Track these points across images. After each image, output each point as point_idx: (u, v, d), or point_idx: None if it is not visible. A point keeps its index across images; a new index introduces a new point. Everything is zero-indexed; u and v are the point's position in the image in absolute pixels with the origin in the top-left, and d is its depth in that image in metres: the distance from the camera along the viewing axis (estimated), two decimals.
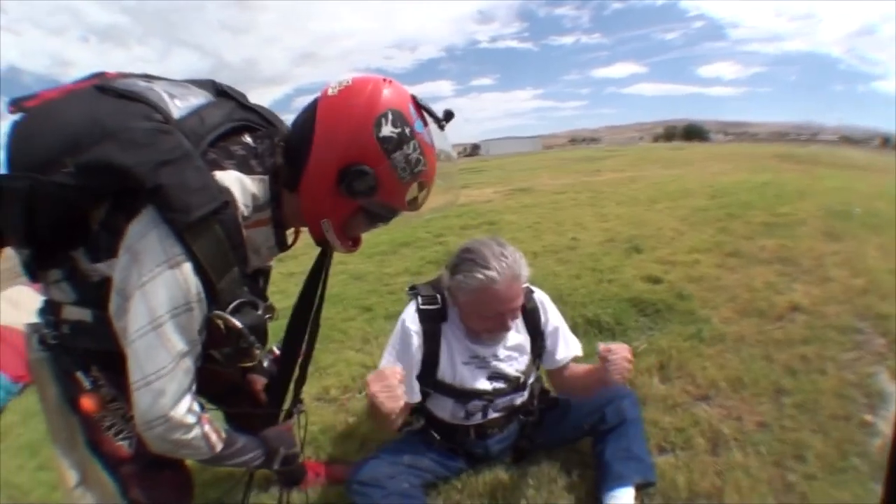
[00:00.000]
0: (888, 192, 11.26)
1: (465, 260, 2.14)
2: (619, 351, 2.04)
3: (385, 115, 1.44)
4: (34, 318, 1.58)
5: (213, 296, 1.39)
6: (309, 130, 1.48)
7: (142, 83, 1.47)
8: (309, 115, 1.51)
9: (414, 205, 1.61)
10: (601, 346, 2.07)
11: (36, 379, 1.61)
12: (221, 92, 1.66)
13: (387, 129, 1.44)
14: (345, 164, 1.45)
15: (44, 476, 2.71)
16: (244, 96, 1.71)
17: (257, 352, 1.53)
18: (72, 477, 1.61)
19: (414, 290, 2.43)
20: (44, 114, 1.35)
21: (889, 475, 1.10)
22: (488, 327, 2.23)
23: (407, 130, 1.47)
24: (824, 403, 2.89)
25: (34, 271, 1.53)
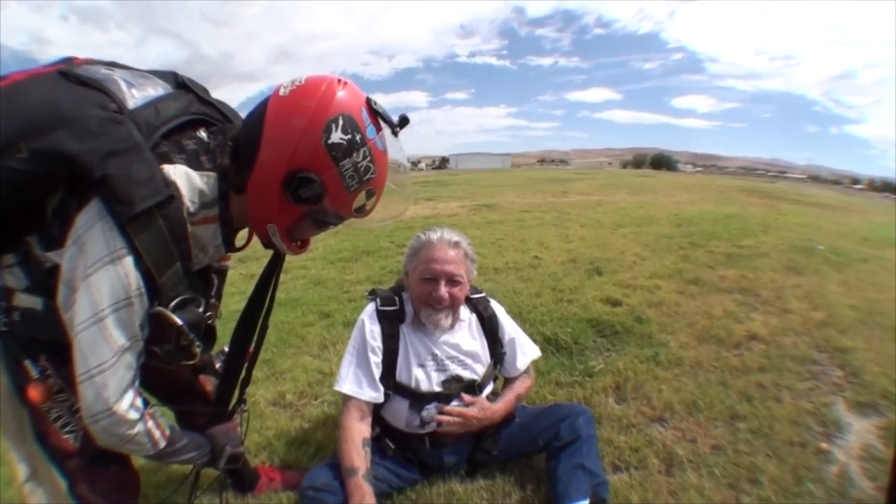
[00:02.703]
0: (853, 231, 11.53)
1: (415, 235, 2.34)
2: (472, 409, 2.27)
3: (335, 121, 1.40)
4: None
5: (155, 291, 1.37)
6: (257, 132, 1.44)
7: (103, 71, 1.44)
8: (258, 116, 1.46)
9: (362, 212, 1.56)
10: (466, 397, 2.29)
11: None
12: (182, 84, 1.62)
13: (336, 136, 1.40)
14: (291, 171, 1.41)
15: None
16: (205, 90, 1.68)
17: (197, 349, 1.50)
18: (22, 471, 1.58)
19: (373, 295, 2.46)
20: (6, 96, 1.31)
21: (892, 479, 1.11)
22: (426, 293, 2.28)
23: (357, 137, 1.43)
24: (779, 430, 2.94)
25: None
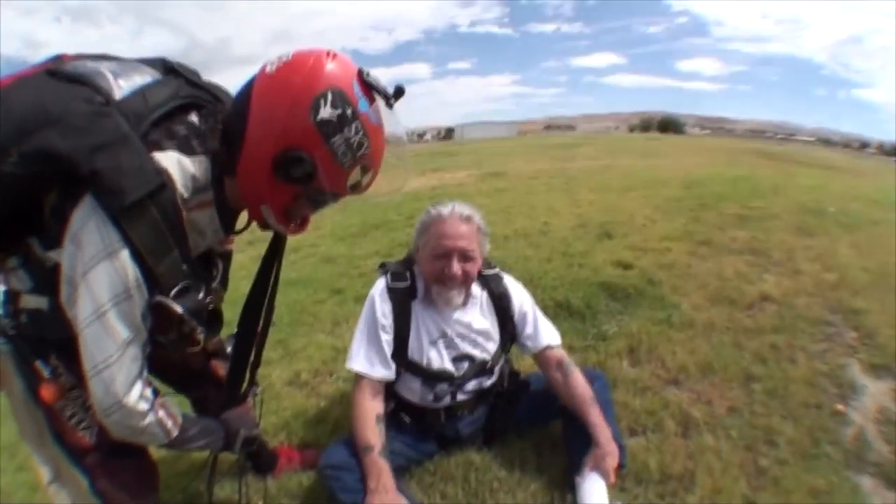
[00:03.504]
0: (863, 194, 11.42)
1: (424, 210, 2.30)
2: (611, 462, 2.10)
3: (324, 96, 1.36)
4: None
5: (154, 280, 1.36)
6: (244, 112, 1.41)
7: (90, 64, 1.42)
8: (245, 96, 1.43)
9: (357, 189, 1.53)
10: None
11: (2, 374, 1.57)
12: (170, 70, 1.59)
13: (325, 112, 1.35)
14: (280, 150, 1.38)
15: (24, 477, 2.64)
16: (195, 73, 1.65)
17: (201, 336, 1.49)
18: (45, 473, 1.60)
19: (384, 268, 2.43)
20: None
21: None
22: (438, 270, 2.24)
23: (349, 111, 1.38)
24: (794, 391, 2.93)
25: None
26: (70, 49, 1.61)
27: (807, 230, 6.82)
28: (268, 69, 1.43)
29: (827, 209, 8.27)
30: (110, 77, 1.39)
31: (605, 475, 2.05)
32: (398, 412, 2.39)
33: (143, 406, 1.41)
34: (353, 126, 1.40)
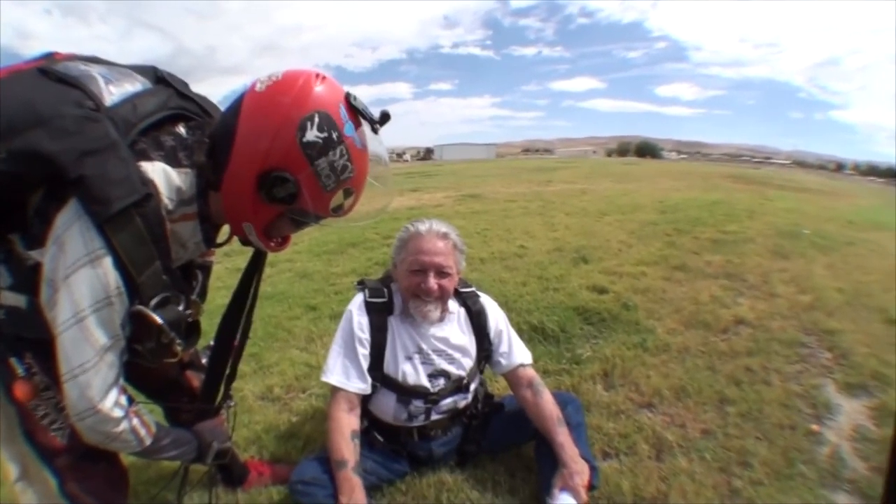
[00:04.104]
0: (838, 215, 11.63)
1: (403, 227, 2.33)
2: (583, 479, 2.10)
3: (311, 118, 1.37)
4: None
5: (135, 289, 1.35)
6: (231, 129, 1.42)
7: (81, 67, 1.41)
8: (233, 112, 1.44)
9: (340, 211, 1.53)
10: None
11: None
12: (161, 79, 1.59)
13: (311, 134, 1.37)
14: (265, 170, 1.38)
15: None
16: (185, 84, 1.65)
17: (178, 347, 1.48)
18: (12, 470, 1.58)
19: (362, 285, 2.43)
20: None
21: (889, 476, 1.10)
22: (415, 285, 2.26)
23: (334, 135, 1.39)
24: (769, 413, 2.96)
25: None
26: (58, 44, 1.60)
27: (782, 253, 6.96)
28: (257, 87, 1.43)
29: (802, 231, 8.45)
30: (101, 82, 1.39)
31: (576, 494, 2.05)
32: (371, 430, 2.38)
33: (118, 413, 1.40)
34: (338, 149, 1.41)
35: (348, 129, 1.42)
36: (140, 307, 1.37)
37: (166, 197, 1.39)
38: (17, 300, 1.44)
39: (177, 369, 2.14)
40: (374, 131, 1.51)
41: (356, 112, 1.46)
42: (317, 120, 1.37)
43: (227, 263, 4.84)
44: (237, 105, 1.43)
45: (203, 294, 1.87)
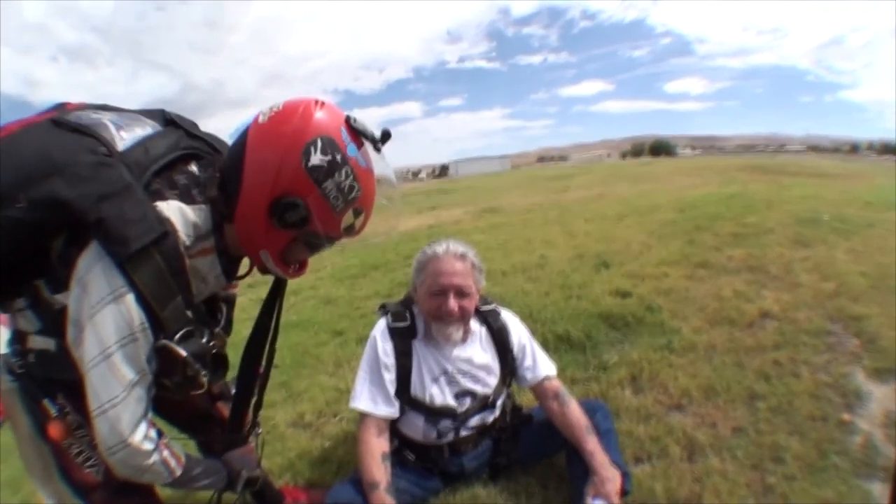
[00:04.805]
0: (856, 197, 11.45)
1: (420, 250, 2.36)
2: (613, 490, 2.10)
3: (314, 143, 1.43)
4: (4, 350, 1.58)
5: (159, 324, 1.39)
6: (239, 161, 1.48)
7: (93, 115, 1.48)
8: (240, 145, 1.50)
9: (352, 231, 1.59)
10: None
11: (8, 410, 1.60)
12: (170, 121, 1.66)
13: (316, 158, 1.42)
14: (275, 197, 1.44)
15: None
16: (193, 124, 1.71)
17: (204, 379, 1.51)
18: None
19: (384, 309, 2.46)
20: (3, 148, 1.34)
21: None
22: (435, 307, 2.27)
23: (338, 157, 1.45)
24: (799, 406, 2.92)
25: (1, 300, 1.52)
26: (66, 89, 1.66)
27: (803, 241, 6.88)
28: (260, 119, 1.49)
29: (821, 217, 8.32)
30: (112, 128, 1.45)
31: (608, 501, 2.05)
32: (402, 450, 2.40)
33: (148, 446, 1.44)
34: (344, 171, 1.46)
35: (351, 150, 1.48)
36: (164, 341, 1.41)
37: (183, 233, 1.44)
38: (46, 343, 1.50)
39: (207, 401, 2.17)
40: (377, 150, 1.56)
41: (357, 133, 1.51)
42: (320, 144, 1.43)
43: (251, 294, 4.89)
44: (243, 138, 1.50)
45: (228, 326, 1.92)
